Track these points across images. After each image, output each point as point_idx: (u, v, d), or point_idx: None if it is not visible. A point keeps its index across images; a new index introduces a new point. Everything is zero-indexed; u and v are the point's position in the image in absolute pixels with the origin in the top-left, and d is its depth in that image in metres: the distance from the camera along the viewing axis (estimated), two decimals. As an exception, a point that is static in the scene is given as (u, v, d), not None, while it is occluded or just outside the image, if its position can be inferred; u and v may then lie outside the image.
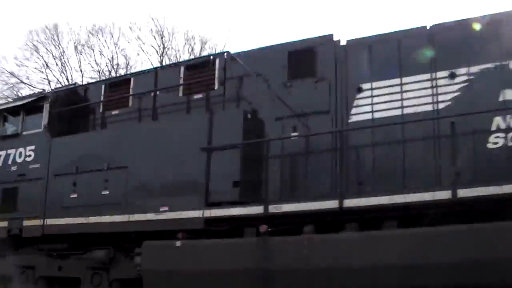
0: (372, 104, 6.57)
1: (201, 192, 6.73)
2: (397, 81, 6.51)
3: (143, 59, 34.91)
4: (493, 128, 5.99)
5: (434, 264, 5.34)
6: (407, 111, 6.40)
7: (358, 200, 6.05)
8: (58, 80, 28.99)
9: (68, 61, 29.92)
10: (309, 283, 5.96)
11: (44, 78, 29.50)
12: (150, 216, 6.96)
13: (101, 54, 29.57)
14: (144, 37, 29.31)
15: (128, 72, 23.11)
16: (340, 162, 6.47)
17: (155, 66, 25.45)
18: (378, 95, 6.57)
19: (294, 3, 39.17)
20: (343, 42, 6.99)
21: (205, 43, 29.23)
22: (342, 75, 6.79)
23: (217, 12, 39.03)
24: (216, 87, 7.53)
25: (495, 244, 5.13)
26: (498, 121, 6.00)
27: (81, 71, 29.66)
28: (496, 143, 5.97)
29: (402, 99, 6.45)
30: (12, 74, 29.21)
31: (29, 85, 29.19)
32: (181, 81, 7.76)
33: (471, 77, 6.24)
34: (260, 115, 7.16)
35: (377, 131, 6.43)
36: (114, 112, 8.21)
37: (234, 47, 32.16)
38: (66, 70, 29.84)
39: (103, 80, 13.03)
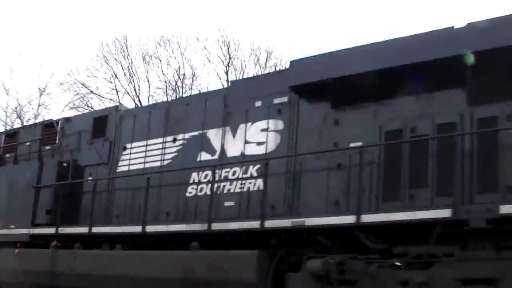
0: (129, 159, 9.32)
1: (29, 216, 9.93)
2: (144, 142, 9.19)
3: (209, 69, 36.31)
4: (191, 181, 8.46)
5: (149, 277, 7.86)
6: (148, 165, 9.06)
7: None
8: (126, 90, 30.80)
9: (136, 72, 30.94)
10: (75, 282, 8.90)
11: (113, 88, 30.79)
12: (4, 231, 10.31)
13: (168, 64, 30.43)
14: (210, 48, 30.01)
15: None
16: (108, 200, 9.34)
17: (220, 76, 29.40)
18: (134, 153, 9.31)
19: (361, 11, 41.66)
20: (122, 112, 9.81)
21: (271, 53, 29.60)
22: (117, 137, 9.59)
23: (283, 22, 40.74)
24: (56, 141, 10.67)
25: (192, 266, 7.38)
26: (194, 176, 8.46)
27: (148, 81, 30.79)
28: (190, 193, 8.44)
29: (145, 156, 9.13)
30: (83, 84, 30.82)
31: (98, 95, 30.92)
32: (41, 136, 11.03)
33: (185, 141, 8.75)
34: (80, 162, 10.18)
35: (131, 178, 9.15)
36: (8, 155, 11.68)
37: (299, 56, 38.74)
38: (133, 81, 30.96)
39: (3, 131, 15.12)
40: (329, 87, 7.24)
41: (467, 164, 6.18)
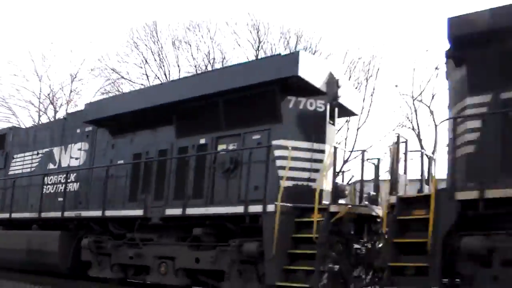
0: (15, 165, 13.09)
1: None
2: (22, 154, 12.90)
3: (239, 54, 34.85)
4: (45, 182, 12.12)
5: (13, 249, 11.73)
6: (24, 170, 12.75)
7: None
8: (156, 75, 30.63)
9: (166, 57, 30.82)
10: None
11: (143, 74, 30.90)
12: None
13: (197, 49, 30.21)
14: (240, 32, 29.41)
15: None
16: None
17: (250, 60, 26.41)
18: (18, 161, 13.08)
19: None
20: (13, 131, 13.64)
21: (301, 37, 28.42)
22: (10, 149, 13.39)
23: (313, 5, 39.36)
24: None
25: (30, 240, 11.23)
26: (46, 179, 12.06)
27: (178, 66, 30.59)
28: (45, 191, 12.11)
29: (23, 164, 12.85)
30: (113, 70, 31.09)
31: (129, 80, 30.98)
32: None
33: (42, 155, 12.36)
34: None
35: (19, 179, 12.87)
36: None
37: (329, 42, 35.17)
38: (164, 65, 30.82)
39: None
40: (109, 121, 10.63)
41: (175, 177, 9.36)
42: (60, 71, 43.63)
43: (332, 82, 8.14)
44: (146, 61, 30.89)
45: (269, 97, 8.17)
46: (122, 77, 31.40)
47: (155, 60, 31.04)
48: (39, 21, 50.00)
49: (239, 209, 7.80)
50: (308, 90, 8.05)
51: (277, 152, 7.89)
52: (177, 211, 8.66)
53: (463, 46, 6.61)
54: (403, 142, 7.42)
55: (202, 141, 9.08)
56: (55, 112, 31.87)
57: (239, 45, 29.79)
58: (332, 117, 8.21)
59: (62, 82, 33.57)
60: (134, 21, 51.85)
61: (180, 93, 9.37)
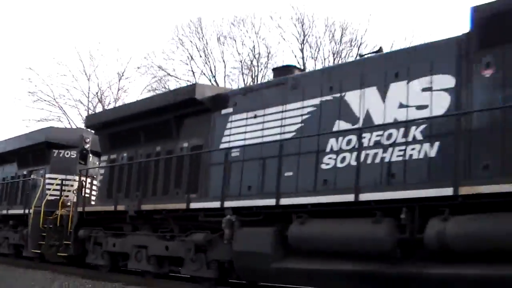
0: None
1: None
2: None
3: (284, 48, 34.64)
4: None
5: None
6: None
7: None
8: (202, 71, 32.25)
9: (211, 53, 32.25)
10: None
11: (189, 70, 32.61)
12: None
13: (242, 44, 31.43)
14: (284, 26, 30.35)
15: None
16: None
17: (295, 54, 29.50)
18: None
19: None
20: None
21: (346, 29, 29.28)
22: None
23: None
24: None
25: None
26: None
27: (224, 61, 31.93)
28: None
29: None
30: (160, 67, 32.64)
31: (175, 77, 32.57)
32: None
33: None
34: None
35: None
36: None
37: (375, 33, 34.82)
38: (209, 61, 32.33)
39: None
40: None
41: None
42: (108, 70, 42.26)
43: (80, 140, 15.24)
44: (191, 57, 32.46)
45: (41, 153, 14.41)
46: (169, 74, 32.82)
47: (200, 56, 32.49)
48: (86, 22, 51.06)
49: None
50: (64, 146, 14.25)
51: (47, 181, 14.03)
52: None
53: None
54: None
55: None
56: None
57: (284, 39, 30.62)
58: (83, 159, 14.35)
59: (110, 81, 34.68)
60: (179, 19, 51.89)
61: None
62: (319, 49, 30.38)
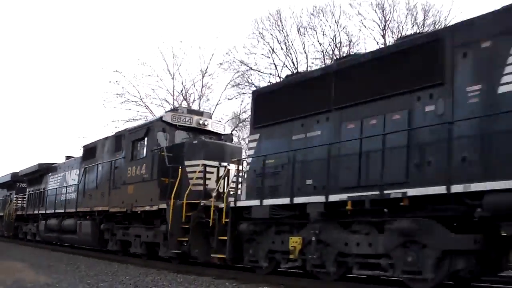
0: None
1: None
2: None
3: (365, 35, 32.49)
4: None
5: None
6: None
7: None
8: (284, 63, 32.00)
9: (292, 44, 31.96)
10: None
11: (271, 63, 32.35)
12: None
13: (323, 34, 30.89)
14: (364, 12, 29.83)
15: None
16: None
17: (377, 41, 29.36)
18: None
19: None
20: None
21: (428, 11, 28.57)
22: None
23: None
24: None
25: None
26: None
27: (305, 52, 31.59)
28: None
29: None
30: (242, 62, 32.51)
31: (257, 71, 32.50)
32: None
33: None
34: None
35: None
36: None
37: (460, 12, 31.23)
38: (290, 53, 32.07)
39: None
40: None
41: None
42: (191, 68, 39.85)
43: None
44: (273, 50, 32.14)
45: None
46: (251, 69, 32.61)
47: (281, 48, 32.23)
48: (168, 22, 52.93)
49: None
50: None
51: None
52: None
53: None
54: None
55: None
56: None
57: (365, 26, 29.89)
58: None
59: (194, 78, 34.74)
60: (258, 12, 47.04)
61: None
62: (401, 34, 29.03)
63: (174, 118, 13.64)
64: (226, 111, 51.78)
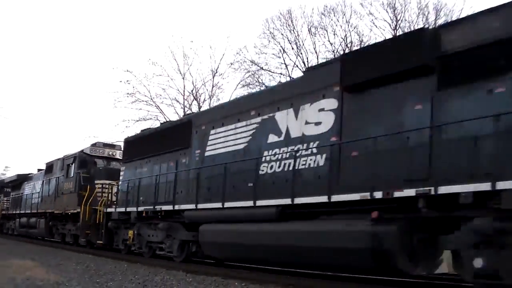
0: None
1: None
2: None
3: (376, 34, 30.66)
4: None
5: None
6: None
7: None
8: (294, 63, 32.11)
9: (303, 44, 32.09)
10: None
11: (282, 63, 32.58)
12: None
13: (334, 33, 31.10)
14: (376, 12, 29.90)
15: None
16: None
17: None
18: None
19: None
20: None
21: (440, 10, 28.23)
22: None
23: None
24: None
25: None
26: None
27: (316, 52, 31.62)
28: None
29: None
30: (252, 62, 32.90)
31: (268, 71, 32.75)
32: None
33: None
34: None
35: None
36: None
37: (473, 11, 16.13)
38: (301, 53, 32.15)
39: None
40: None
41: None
42: (202, 68, 38.37)
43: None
44: (283, 50, 32.46)
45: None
46: (262, 68, 32.94)
47: (292, 48, 32.34)
48: (178, 22, 55.10)
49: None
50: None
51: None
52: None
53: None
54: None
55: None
56: (199, 107, 32.58)
57: (376, 26, 30.07)
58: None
59: (204, 78, 34.90)
60: (269, 12, 40.62)
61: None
62: None
63: (92, 151, 20.07)
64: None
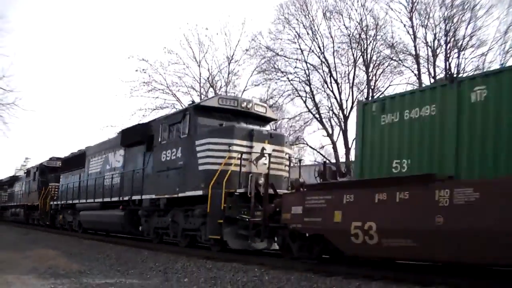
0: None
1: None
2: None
3: (392, 18, 30.65)
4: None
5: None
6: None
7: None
8: (310, 48, 32.13)
9: (318, 29, 31.75)
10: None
11: (297, 48, 32.38)
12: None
13: (349, 18, 30.82)
14: None
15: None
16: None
17: (404, 23, 29.13)
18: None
19: None
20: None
21: None
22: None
23: None
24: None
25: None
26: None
27: (332, 36, 31.51)
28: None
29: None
30: (268, 48, 32.63)
31: (284, 56, 32.64)
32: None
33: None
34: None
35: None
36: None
37: None
38: (317, 38, 31.85)
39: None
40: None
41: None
42: (217, 55, 40.54)
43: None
44: (299, 35, 31.86)
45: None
46: (277, 54, 32.46)
47: (307, 33, 31.79)
48: (193, 10, 46.99)
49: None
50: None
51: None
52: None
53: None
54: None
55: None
56: (216, 94, 29.88)
57: (392, 9, 29.12)
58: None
59: (220, 65, 34.35)
60: None
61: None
62: (429, 16, 28.55)
63: (48, 163, 30.25)
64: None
